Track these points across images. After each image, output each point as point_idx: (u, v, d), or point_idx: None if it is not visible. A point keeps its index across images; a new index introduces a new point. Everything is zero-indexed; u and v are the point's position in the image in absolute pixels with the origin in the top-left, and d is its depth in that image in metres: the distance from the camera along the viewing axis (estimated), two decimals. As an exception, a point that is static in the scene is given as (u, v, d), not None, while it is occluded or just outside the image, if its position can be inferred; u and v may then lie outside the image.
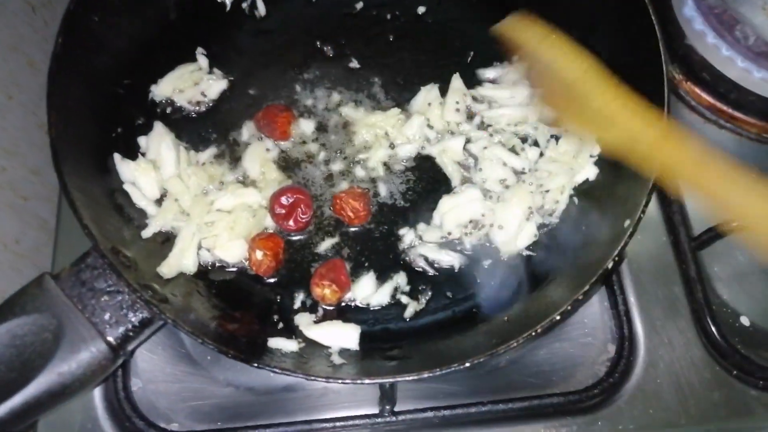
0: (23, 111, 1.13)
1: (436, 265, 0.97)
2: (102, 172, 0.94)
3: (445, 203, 0.98)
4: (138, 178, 0.96)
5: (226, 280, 0.96)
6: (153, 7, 1.03)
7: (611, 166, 0.97)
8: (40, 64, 1.07)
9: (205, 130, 1.06)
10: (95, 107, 0.94)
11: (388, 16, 1.14)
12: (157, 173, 0.97)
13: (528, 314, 0.85)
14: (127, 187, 0.96)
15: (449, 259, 0.97)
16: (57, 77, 0.86)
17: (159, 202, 0.98)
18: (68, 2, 0.88)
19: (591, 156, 0.99)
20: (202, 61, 1.07)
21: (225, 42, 1.11)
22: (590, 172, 0.98)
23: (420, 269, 0.97)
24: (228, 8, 1.13)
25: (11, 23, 1.13)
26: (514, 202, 0.96)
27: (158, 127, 1.00)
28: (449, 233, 0.97)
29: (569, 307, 0.78)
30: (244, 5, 1.13)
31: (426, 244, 0.98)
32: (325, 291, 0.92)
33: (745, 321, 1.00)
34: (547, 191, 0.97)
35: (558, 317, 0.78)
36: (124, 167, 0.96)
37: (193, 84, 1.05)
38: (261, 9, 1.13)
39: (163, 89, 1.04)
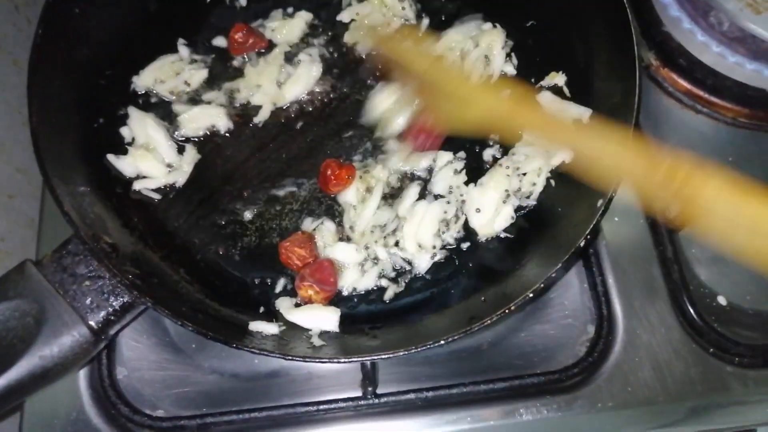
0: (8, 109, 1.13)
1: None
2: (84, 161, 0.94)
3: (408, 229, 0.97)
4: (140, 166, 0.99)
5: (209, 265, 0.97)
6: (133, -1, 1.05)
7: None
8: (25, 62, 1.07)
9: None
10: (77, 98, 0.95)
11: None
12: (154, 154, 0.99)
13: (505, 294, 0.86)
14: (137, 184, 0.98)
15: (428, 258, 0.97)
16: (37, 68, 0.87)
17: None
18: (48, -6, 0.89)
19: (567, 139, 1.00)
20: (183, 51, 1.08)
21: (205, 32, 1.12)
22: (566, 155, 0.98)
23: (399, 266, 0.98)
24: (208, -1, 1.14)
25: (-6, 22, 1.14)
26: (491, 186, 0.97)
27: (134, 112, 1.02)
28: (434, 247, 0.97)
29: (542, 285, 0.79)
30: (225, -5, 1.14)
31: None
32: (309, 293, 0.92)
33: (722, 300, 1.01)
34: (524, 174, 0.98)
35: (531, 295, 0.79)
36: (122, 163, 0.98)
37: (174, 74, 1.06)
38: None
39: (144, 80, 1.05)
